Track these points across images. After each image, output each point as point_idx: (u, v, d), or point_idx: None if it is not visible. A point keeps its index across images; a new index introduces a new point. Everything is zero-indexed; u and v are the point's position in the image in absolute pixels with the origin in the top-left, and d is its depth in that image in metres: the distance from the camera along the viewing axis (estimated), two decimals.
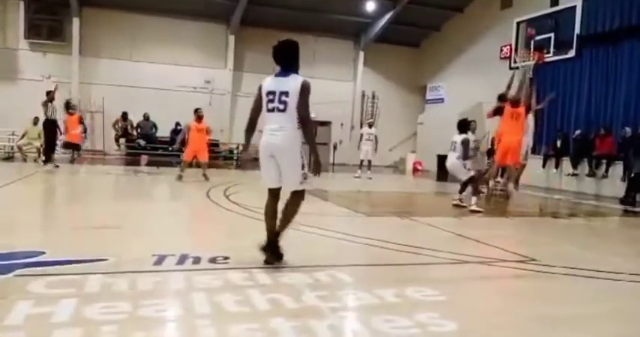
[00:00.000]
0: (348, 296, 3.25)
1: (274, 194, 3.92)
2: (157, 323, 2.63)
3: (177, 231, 5.39)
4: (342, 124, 21.05)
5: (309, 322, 2.66)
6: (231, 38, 19.35)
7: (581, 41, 12.75)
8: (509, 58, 15.34)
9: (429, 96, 20.91)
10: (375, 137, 13.99)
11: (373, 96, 21.34)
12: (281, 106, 3.73)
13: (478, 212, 7.60)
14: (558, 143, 13.55)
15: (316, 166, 3.84)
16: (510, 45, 15.24)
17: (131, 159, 16.35)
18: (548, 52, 13.39)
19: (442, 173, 16.20)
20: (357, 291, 3.34)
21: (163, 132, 17.87)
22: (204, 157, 10.67)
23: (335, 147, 20.01)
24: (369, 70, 21.24)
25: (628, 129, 11.62)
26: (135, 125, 17.51)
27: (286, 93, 3.73)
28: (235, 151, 19.14)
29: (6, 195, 7.61)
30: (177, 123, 17.93)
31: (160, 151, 17.34)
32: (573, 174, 12.96)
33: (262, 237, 3.90)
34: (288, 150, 3.77)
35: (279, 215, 3.90)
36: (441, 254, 4.56)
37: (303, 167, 3.82)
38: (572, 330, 2.87)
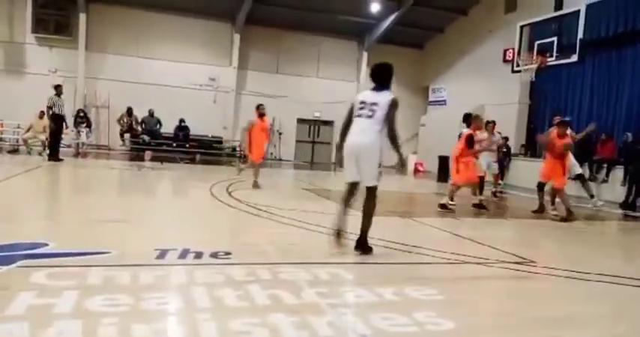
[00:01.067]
0: (348, 293, 3.28)
1: (352, 188, 4.51)
2: (158, 316, 2.66)
3: (180, 226, 5.43)
4: None
5: (309, 318, 2.69)
6: (237, 37, 19.42)
7: (584, 46, 12.76)
8: (512, 61, 15.35)
9: (431, 97, 20.94)
10: None
11: None
12: (370, 113, 4.33)
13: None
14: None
15: (400, 163, 4.51)
16: (513, 48, 15.25)
17: (135, 155, 16.41)
18: (551, 56, 13.40)
19: (443, 174, 16.25)
20: (356, 289, 3.37)
21: (168, 128, 17.96)
22: (259, 158, 9.62)
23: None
24: None
25: (629, 134, 11.63)
26: (140, 121, 17.60)
27: (376, 104, 4.35)
28: (238, 149, 19.21)
29: (11, 187, 7.66)
30: (182, 120, 18.03)
31: (163, 147, 17.43)
32: (574, 178, 12.95)
33: (263, 233, 3.96)
34: (369, 150, 4.30)
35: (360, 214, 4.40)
36: (440, 254, 4.59)
37: (379, 166, 4.33)
38: (569, 331, 2.89)
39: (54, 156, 12.13)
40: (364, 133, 4.30)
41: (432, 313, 2.91)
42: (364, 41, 21.03)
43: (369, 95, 4.47)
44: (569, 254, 5.48)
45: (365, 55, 21.13)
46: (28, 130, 14.34)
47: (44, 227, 4.83)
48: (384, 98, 4.37)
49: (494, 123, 10.09)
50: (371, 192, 4.36)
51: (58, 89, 12.35)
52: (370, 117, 4.31)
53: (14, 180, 8.40)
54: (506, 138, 15.61)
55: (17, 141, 15.99)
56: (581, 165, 12.66)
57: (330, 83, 20.40)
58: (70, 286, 2.94)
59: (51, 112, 12.24)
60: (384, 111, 4.30)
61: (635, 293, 3.91)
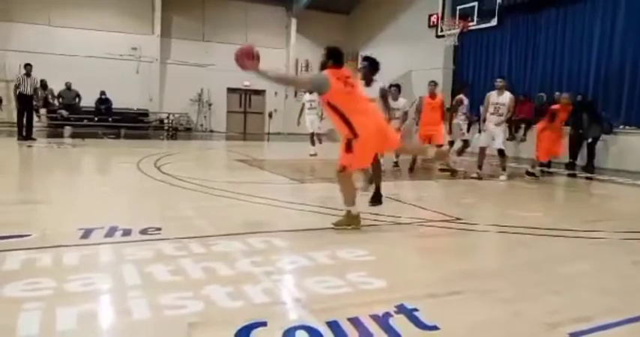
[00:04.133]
0: (282, 260, 3.30)
1: (484, 149, 8.17)
2: (85, 297, 2.54)
3: (106, 203, 5.19)
4: (276, 93, 20.85)
5: (244, 287, 2.69)
6: (158, 2, 18.43)
7: (503, 10, 13.25)
8: (437, 26, 15.68)
9: (360, 64, 21.03)
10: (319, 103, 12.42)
11: (307, 65, 21.22)
12: (499, 112, 7.95)
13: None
14: (480, 109, 14.16)
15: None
16: (437, 14, 15.55)
17: (53, 131, 15.41)
18: (472, 21, 13.82)
19: None
20: (290, 255, 3.39)
21: (88, 102, 16.94)
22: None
23: (270, 116, 19.86)
24: (303, 37, 21.02)
25: (544, 95, 12.35)
26: (56, 94, 16.46)
27: (503, 105, 7.95)
28: (166, 121, 18.52)
29: None
30: (103, 93, 17.06)
31: (84, 122, 16.48)
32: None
33: (195, 206, 3.86)
34: (501, 132, 8.03)
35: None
36: (372, 216, 4.72)
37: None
38: (492, 280, 3.08)
39: (22, 135, 11.77)
40: (499, 125, 8.00)
41: (363, 273, 3.01)
42: (292, 7, 20.63)
43: (497, 98, 7.95)
44: (493, 210, 5.82)
45: (294, 21, 20.78)
46: None
47: None
48: (506, 99, 7.91)
49: (397, 87, 9.02)
50: (502, 151, 8.11)
51: (27, 68, 12.05)
52: (501, 115, 7.93)
53: None
54: None
55: None
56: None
57: (260, 51, 19.93)
58: None
59: (17, 92, 11.91)
60: (506, 109, 7.93)
61: (550, 241, 4.23)
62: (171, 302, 2.48)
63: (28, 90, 12.03)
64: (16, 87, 12.02)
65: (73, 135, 14.44)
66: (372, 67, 5.87)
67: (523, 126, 12.94)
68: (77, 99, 16.71)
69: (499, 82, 8.12)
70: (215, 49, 19.33)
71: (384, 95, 6.07)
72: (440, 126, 8.78)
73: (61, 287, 2.62)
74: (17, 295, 2.49)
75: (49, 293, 2.53)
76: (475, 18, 13.70)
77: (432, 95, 8.84)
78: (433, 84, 8.97)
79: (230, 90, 20.35)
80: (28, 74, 12.07)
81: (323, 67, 4.32)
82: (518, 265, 3.52)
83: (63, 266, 2.97)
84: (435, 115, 8.71)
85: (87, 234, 3.66)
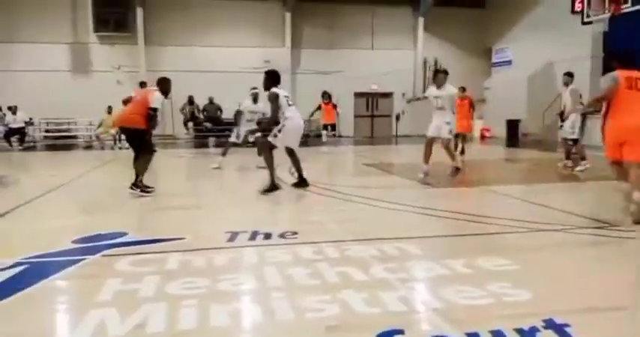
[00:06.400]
0: (417, 267, 3.25)
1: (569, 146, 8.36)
2: (235, 296, 2.77)
3: (247, 208, 5.56)
4: (403, 94, 20.65)
5: (379, 293, 2.70)
6: (288, 15, 19.39)
7: None
8: (582, 11, 14.26)
9: (495, 59, 19.97)
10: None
11: (435, 63, 20.69)
12: None
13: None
14: None
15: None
16: None
17: (199, 142, 16.97)
18: (626, 2, 12.31)
19: (512, 139, 15.60)
20: (425, 263, 3.32)
21: (228, 113, 18.39)
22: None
23: (397, 118, 19.73)
24: (430, 35, 20.56)
25: None
26: (201, 108, 18.11)
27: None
28: None
29: (89, 180, 8.17)
30: (239, 104, 18.35)
31: (226, 133, 17.87)
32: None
33: (328, 211, 3.96)
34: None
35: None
36: (513, 222, 4.43)
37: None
38: None
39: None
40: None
41: (506, 284, 2.83)
42: (419, 6, 20.28)
43: None
44: None
45: (421, 20, 20.40)
46: (99, 126, 15.21)
47: (122, 217, 5.12)
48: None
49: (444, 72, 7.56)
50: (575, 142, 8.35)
51: (141, 86, 13.23)
52: None
53: (92, 174, 8.94)
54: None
55: (90, 138, 17.01)
56: None
57: (386, 53, 19.94)
58: (152, 272, 3.12)
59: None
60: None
61: None
62: (311, 304, 2.57)
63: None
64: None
65: (217, 145, 15.75)
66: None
67: None
68: (219, 112, 18.21)
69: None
70: (342, 56, 19.76)
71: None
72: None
73: (213, 286, 2.87)
74: (178, 293, 2.78)
75: (203, 292, 2.79)
76: None
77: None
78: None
79: (357, 95, 20.64)
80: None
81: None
82: None
83: (214, 267, 3.24)
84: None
85: (233, 237, 3.96)
